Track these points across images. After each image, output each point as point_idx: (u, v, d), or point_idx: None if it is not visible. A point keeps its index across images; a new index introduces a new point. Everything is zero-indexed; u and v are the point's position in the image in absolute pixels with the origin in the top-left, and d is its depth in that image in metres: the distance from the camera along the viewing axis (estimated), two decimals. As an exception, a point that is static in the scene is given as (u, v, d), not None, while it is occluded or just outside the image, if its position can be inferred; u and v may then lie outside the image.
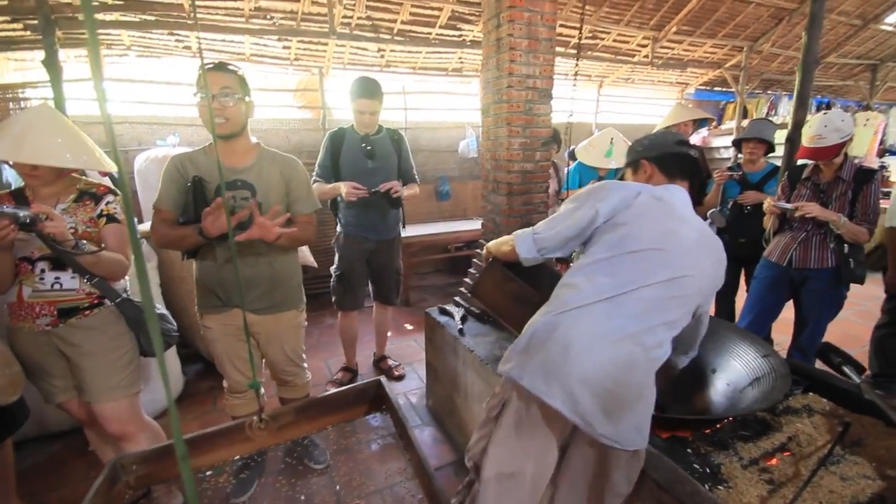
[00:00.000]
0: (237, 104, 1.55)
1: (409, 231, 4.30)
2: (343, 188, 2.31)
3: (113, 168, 1.57)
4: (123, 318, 1.57)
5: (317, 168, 2.51)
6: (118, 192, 1.61)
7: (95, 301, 1.53)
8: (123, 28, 3.38)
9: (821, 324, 2.18)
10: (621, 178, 1.41)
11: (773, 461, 1.22)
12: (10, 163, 1.67)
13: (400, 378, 2.80)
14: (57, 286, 1.47)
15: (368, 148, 2.45)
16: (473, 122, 5.11)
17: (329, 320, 3.79)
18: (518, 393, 1.12)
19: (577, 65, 1.96)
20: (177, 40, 3.68)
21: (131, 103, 3.80)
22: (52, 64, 2.74)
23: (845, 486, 1.09)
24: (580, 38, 2.20)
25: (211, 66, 1.54)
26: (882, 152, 7.51)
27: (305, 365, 1.99)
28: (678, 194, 1.23)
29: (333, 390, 1.47)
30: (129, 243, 1.60)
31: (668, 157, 1.28)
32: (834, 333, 2.22)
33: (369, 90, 2.35)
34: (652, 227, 1.14)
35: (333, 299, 2.68)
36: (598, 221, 1.18)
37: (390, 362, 2.95)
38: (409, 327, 3.71)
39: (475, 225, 4.61)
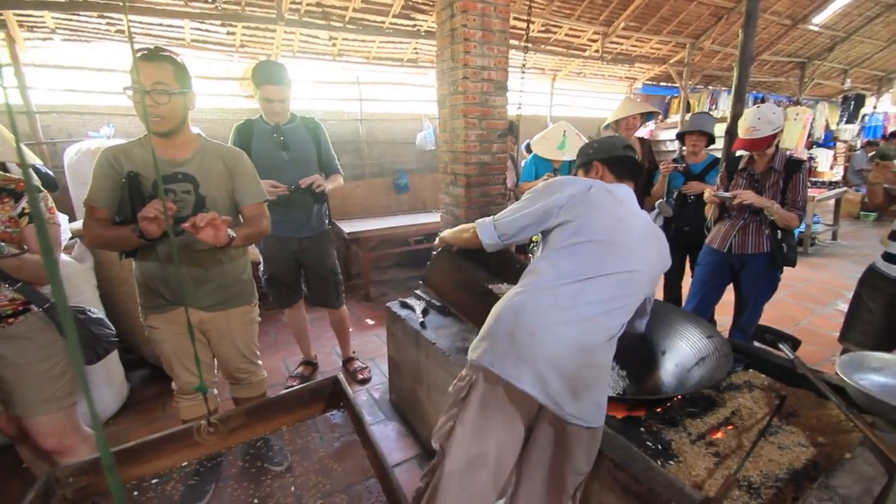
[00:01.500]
0: (173, 100, 1.44)
1: (366, 225, 4.24)
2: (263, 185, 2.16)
3: (35, 160, 1.44)
4: (53, 324, 1.45)
5: None
6: (41, 187, 1.48)
7: (20, 307, 1.41)
8: (46, 9, 3.09)
9: (759, 305, 2.33)
10: (574, 175, 1.51)
11: (719, 435, 1.30)
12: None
13: (365, 381, 2.73)
14: (-26, 292, 1.34)
15: (281, 139, 2.27)
16: (430, 114, 5.08)
17: (283, 318, 3.67)
18: (485, 375, 1.15)
19: (525, 56, 1.98)
20: (108, 23, 3.40)
21: (59, 91, 3.50)
22: (-39, 46, 2.46)
23: (783, 455, 1.18)
24: (527, 31, 2.22)
25: (144, 52, 1.42)
26: (810, 144, 8.13)
27: (260, 362, 1.92)
28: (626, 191, 1.35)
29: (289, 389, 1.43)
30: (58, 243, 1.48)
31: (616, 159, 1.41)
32: (770, 314, 2.39)
33: (276, 76, 2.16)
34: (605, 217, 1.24)
35: (270, 299, 2.58)
36: (554, 212, 1.27)
37: (357, 364, 2.84)
38: (371, 322, 3.66)
39: (435, 217, 4.59)
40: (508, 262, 1.65)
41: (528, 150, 3.17)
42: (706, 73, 7.01)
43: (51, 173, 2.51)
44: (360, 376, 2.74)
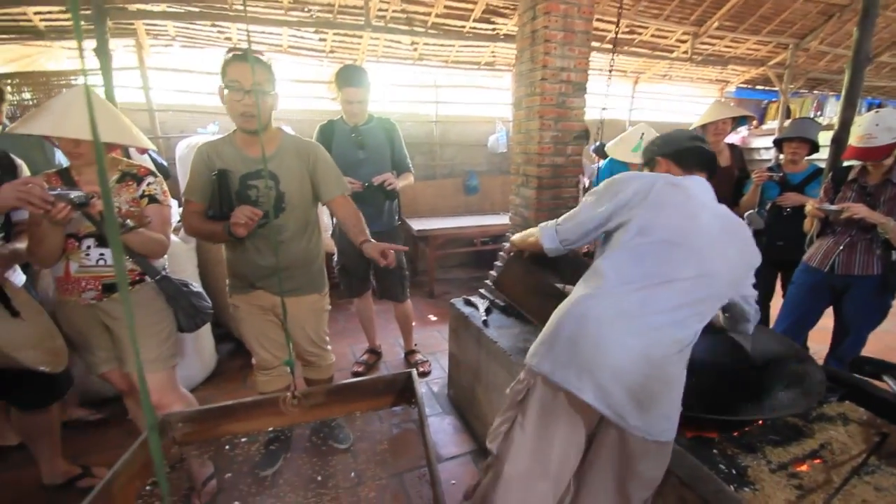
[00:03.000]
0: (266, 100, 1.55)
1: (434, 224, 4.33)
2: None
3: (149, 145, 1.65)
4: (163, 294, 1.65)
5: None
6: (157, 173, 1.69)
7: (137, 278, 1.62)
8: (169, 19, 3.51)
9: (862, 333, 2.09)
10: None
11: (804, 467, 1.19)
12: (52, 143, 1.77)
13: (425, 375, 2.82)
14: (101, 262, 1.55)
15: (358, 138, 2.43)
16: (504, 116, 5.09)
17: (353, 308, 3.86)
18: (544, 380, 1.12)
19: (612, 58, 1.92)
20: (219, 31, 3.80)
21: (174, 92, 3.95)
22: (103, 52, 2.87)
23: (880, 497, 1.06)
24: (617, 31, 2.16)
25: (238, 54, 1.53)
26: (938, 158, 7.06)
27: (329, 348, 2.03)
28: (697, 182, 1.24)
29: (364, 378, 1.51)
30: (168, 223, 1.68)
31: (682, 151, 1.30)
32: (874, 345, 2.13)
33: (356, 78, 2.33)
34: (672, 215, 1.15)
35: (342, 288, 2.74)
36: (618, 213, 1.20)
37: (418, 357, 2.94)
38: (433, 318, 3.74)
39: (502, 219, 4.59)
40: (582, 266, 1.63)
41: (599, 153, 3.07)
42: (811, 75, 6.34)
43: (165, 163, 2.87)
44: (421, 369, 2.82)
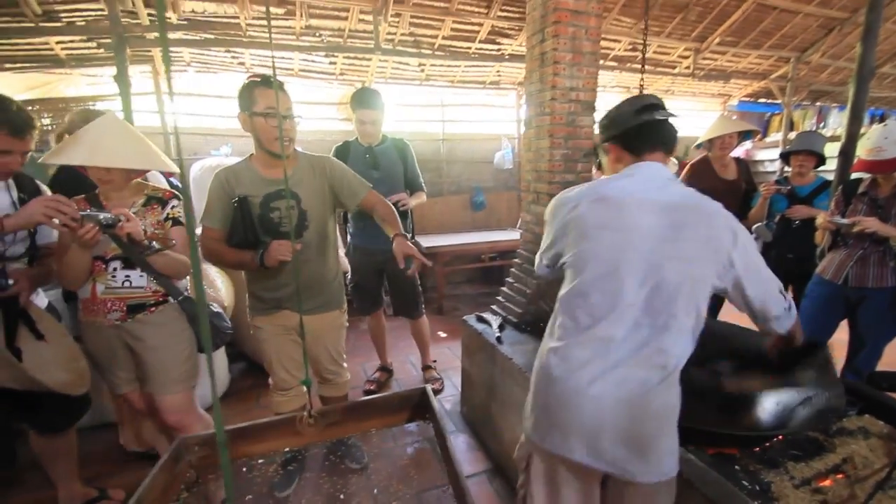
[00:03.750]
0: (293, 123, 1.62)
1: (442, 241, 4.37)
2: None
3: (175, 169, 1.70)
4: (185, 315, 1.68)
5: None
6: (181, 196, 1.74)
7: (161, 298, 1.65)
8: (185, 46, 3.63)
9: (878, 346, 2.08)
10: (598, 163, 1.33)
11: (827, 482, 1.18)
12: (82, 171, 1.82)
13: (437, 392, 2.82)
14: (127, 283, 1.59)
15: (372, 158, 2.49)
16: (509, 133, 5.16)
17: (364, 326, 3.87)
18: (539, 448, 1.10)
19: (642, 77, 1.97)
20: (232, 57, 3.91)
21: (187, 115, 4.06)
22: (122, 79, 2.96)
23: (906, 513, 1.05)
24: (644, 52, 2.23)
25: (264, 80, 1.57)
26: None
27: (345, 365, 2.05)
28: (644, 171, 1.07)
29: (379, 395, 1.52)
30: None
31: (630, 132, 1.11)
32: (891, 357, 2.11)
33: (370, 101, 2.41)
34: (600, 240, 1.03)
35: (354, 306, 2.73)
36: (556, 245, 1.14)
37: (433, 374, 2.94)
38: (443, 335, 3.74)
39: (508, 235, 4.63)
40: None
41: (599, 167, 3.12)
42: (813, 88, 6.40)
43: (180, 184, 2.93)
44: (433, 387, 2.81)
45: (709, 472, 1.14)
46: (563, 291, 1.10)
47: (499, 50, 4.57)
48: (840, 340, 2.26)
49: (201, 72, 4.00)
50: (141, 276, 1.60)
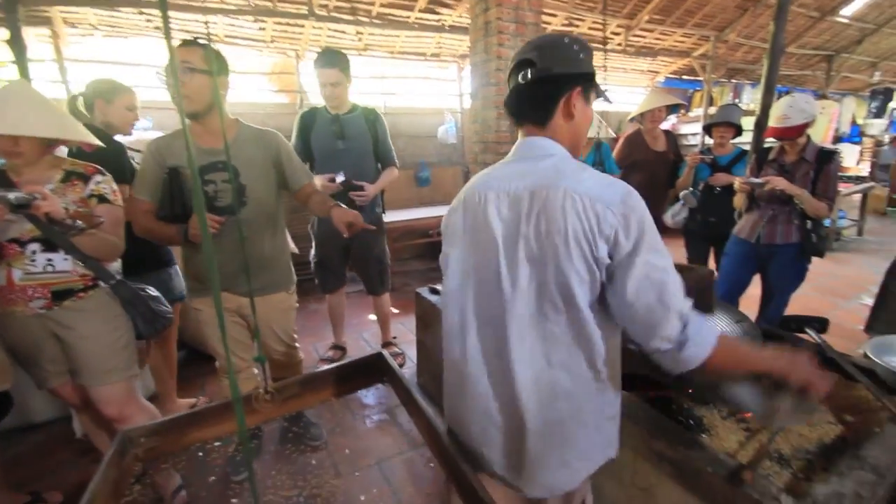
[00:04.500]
0: (197, 79, 1.47)
1: (389, 217, 4.30)
2: (317, 181, 2.22)
3: (96, 142, 1.54)
4: (118, 299, 1.56)
5: None
6: (106, 172, 1.59)
7: (90, 283, 1.51)
8: (89, 5, 3.23)
9: (785, 295, 2.35)
10: None
11: (748, 414, 1.35)
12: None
13: (400, 366, 2.81)
14: (49, 268, 1.44)
15: (338, 128, 2.37)
16: (452, 108, 5.14)
17: (313, 305, 3.79)
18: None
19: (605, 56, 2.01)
20: (146, 19, 3.54)
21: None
22: (16, 42, 2.60)
23: (812, 431, 1.22)
24: (605, 28, 2.27)
25: (178, 42, 1.50)
26: (836, 139, 7.97)
27: (298, 346, 2.00)
28: (520, 153, 0.94)
29: (335, 364, 1.51)
30: (121, 224, 1.58)
31: (507, 100, 0.98)
32: (795, 307, 2.40)
33: (329, 60, 2.26)
34: (463, 238, 0.98)
35: (316, 282, 2.71)
36: None
37: (394, 350, 2.92)
38: (395, 311, 3.74)
39: (456, 210, 4.66)
40: None
41: None
42: (730, 66, 6.92)
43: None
44: (396, 361, 2.83)
45: (648, 410, 1.26)
46: None
47: (439, 20, 4.49)
48: (751, 296, 2.54)
49: (110, 36, 3.59)
50: (65, 259, 1.45)
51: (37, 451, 2.12)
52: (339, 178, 2.29)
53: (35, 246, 1.41)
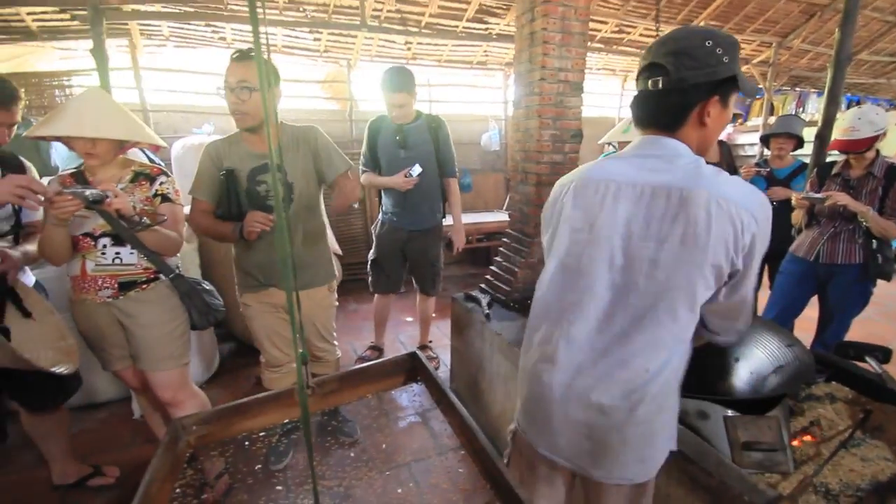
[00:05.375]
0: (255, 95, 1.54)
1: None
2: (397, 179, 2.44)
3: (162, 143, 1.68)
4: (176, 292, 1.68)
5: (361, 157, 2.65)
6: (169, 173, 1.72)
7: (152, 276, 1.64)
8: (165, 19, 3.51)
9: (845, 319, 2.19)
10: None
11: (796, 442, 1.27)
12: (67, 146, 1.79)
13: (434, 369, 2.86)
14: (117, 261, 1.58)
15: (401, 138, 2.48)
16: (496, 115, 5.15)
17: (353, 305, 3.91)
18: (517, 436, 1.10)
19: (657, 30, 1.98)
20: (213, 31, 3.80)
21: (167, 92, 3.94)
22: (99, 53, 2.86)
23: (865, 466, 1.14)
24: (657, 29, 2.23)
25: (235, 54, 1.57)
26: (914, 153, 7.31)
27: (336, 343, 2.07)
28: (643, 149, 0.90)
29: (373, 362, 1.55)
30: (181, 221, 1.70)
31: (633, 101, 0.95)
32: (857, 332, 2.23)
33: (396, 83, 2.36)
34: (570, 223, 0.94)
35: (369, 281, 2.79)
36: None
37: (429, 353, 2.98)
38: (432, 315, 3.79)
39: (496, 217, 4.67)
40: None
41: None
42: (793, 73, 6.52)
43: (162, 164, 2.88)
44: (433, 364, 2.88)
45: (686, 433, 1.22)
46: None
47: (486, 29, 4.53)
48: (809, 318, 2.38)
49: (181, 47, 3.88)
50: (131, 253, 1.58)
51: (99, 427, 2.31)
52: (416, 171, 2.43)
53: (105, 240, 1.55)
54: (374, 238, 2.74)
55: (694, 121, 0.86)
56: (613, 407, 0.85)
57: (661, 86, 0.84)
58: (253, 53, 1.56)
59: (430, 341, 3.07)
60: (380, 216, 2.71)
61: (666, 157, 0.86)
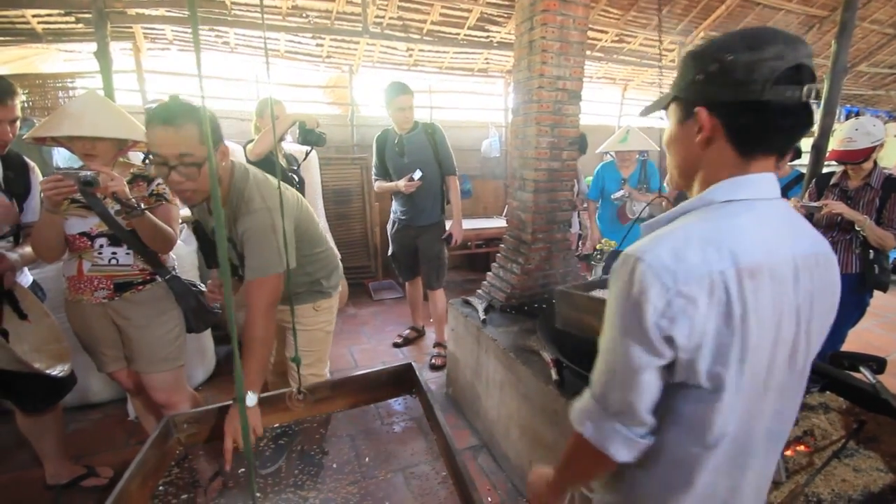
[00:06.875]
0: (201, 170, 1.20)
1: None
2: (401, 183, 2.71)
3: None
4: (172, 294, 1.68)
5: (373, 169, 2.98)
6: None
7: (148, 277, 1.65)
8: (168, 23, 3.54)
9: (841, 330, 2.19)
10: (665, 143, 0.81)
11: (789, 452, 1.27)
12: (68, 147, 1.80)
13: (438, 368, 2.88)
14: (114, 261, 1.58)
15: (400, 146, 2.73)
16: (497, 122, 5.18)
17: (351, 310, 3.91)
18: None
19: (660, 74, 2.00)
20: (216, 35, 3.83)
21: (167, 95, 3.96)
22: (103, 55, 2.89)
23: (858, 477, 1.14)
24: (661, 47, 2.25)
25: (159, 115, 1.17)
26: (913, 164, 7.34)
27: (314, 370, 2.03)
28: (763, 197, 0.65)
29: (367, 370, 1.56)
30: (176, 221, 1.70)
31: (756, 108, 0.61)
32: (854, 342, 2.23)
33: (403, 88, 2.63)
34: (759, 323, 0.66)
35: (396, 272, 3.18)
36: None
37: (442, 352, 2.98)
38: (430, 320, 3.79)
39: (495, 223, 4.68)
40: None
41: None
42: (794, 84, 6.56)
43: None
44: (434, 363, 2.94)
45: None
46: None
47: (487, 37, 4.57)
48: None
49: (184, 50, 3.91)
50: (127, 253, 1.59)
51: (94, 428, 2.31)
52: (417, 175, 2.68)
53: (102, 240, 1.55)
54: (388, 237, 3.03)
55: None
56: (765, 487, 0.80)
57: (814, 95, 0.61)
58: (184, 106, 1.21)
59: (445, 339, 3.08)
60: (391, 217, 2.98)
61: (780, 201, 0.69)
